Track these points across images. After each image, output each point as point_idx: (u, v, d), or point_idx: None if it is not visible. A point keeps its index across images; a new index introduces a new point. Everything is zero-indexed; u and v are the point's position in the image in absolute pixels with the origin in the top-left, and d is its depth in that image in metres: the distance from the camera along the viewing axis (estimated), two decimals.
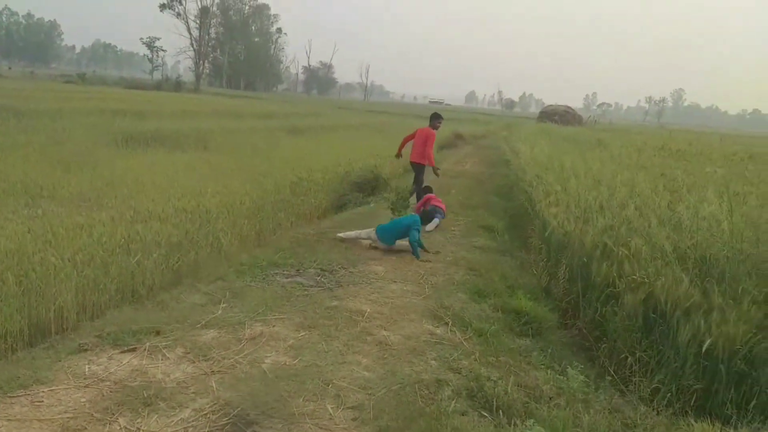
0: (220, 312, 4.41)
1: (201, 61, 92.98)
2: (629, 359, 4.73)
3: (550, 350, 4.59)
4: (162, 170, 12.48)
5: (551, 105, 73.59)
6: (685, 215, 6.26)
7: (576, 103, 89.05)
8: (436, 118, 10.88)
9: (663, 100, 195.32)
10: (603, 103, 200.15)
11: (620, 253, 5.49)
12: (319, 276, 5.66)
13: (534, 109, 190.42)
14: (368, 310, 4.68)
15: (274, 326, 4.20)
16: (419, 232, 7.04)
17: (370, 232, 7.28)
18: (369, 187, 12.29)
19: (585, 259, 5.84)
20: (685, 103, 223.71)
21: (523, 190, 10.58)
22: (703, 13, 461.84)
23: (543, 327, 5.01)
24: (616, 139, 27.93)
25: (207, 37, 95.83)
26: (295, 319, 4.36)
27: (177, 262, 6.71)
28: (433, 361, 3.86)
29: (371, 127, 33.62)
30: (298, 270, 5.83)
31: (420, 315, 4.74)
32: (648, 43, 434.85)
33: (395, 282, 5.70)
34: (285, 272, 5.70)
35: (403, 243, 7.00)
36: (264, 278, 5.45)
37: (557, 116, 63.68)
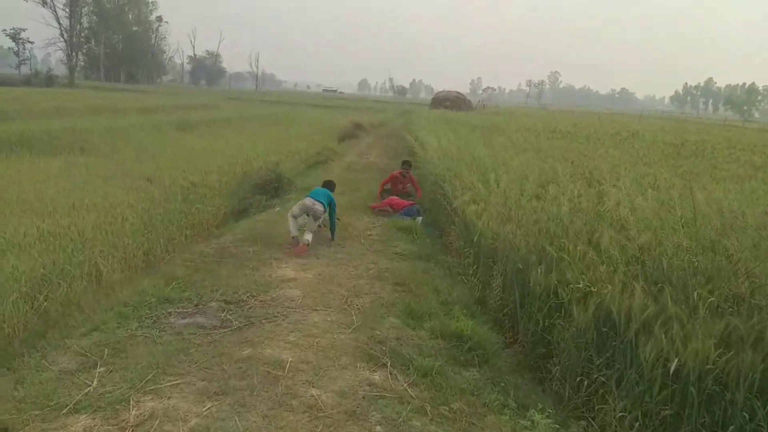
0: (95, 384, 3.39)
1: (74, 53, 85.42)
2: (585, 382, 4.27)
3: (502, 384, 4.00)
4: (28, 182, 10.76)
5: (442, 91, 74.96)
6: (617, 210, 5.95)
7: (463, 89, 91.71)
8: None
9: (541, 82, 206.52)
10: (488, 88, 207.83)
11: (561, 258, 5.02)
12: (223, 312, 4.72)
13: (424, 95, 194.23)
14: (290, 358, 3.83)
15: (169, 398, 3.26)
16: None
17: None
18: (271, 188, 11.27)
19: (520, 266, 5.34)
20: (561, 85, 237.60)
21: (436, 185, 10.06)
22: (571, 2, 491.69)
23: (488, 352, 4.42)
24: (508, 123, 28.53)
25: (79, 26, 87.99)
26: (197, 384, 3.44)
27: (44, 302, 5.50)
28: (378, 427, 3.11)
29: (267, 118, 32.15)
30: (197, 305, 4.85)
31: (352, 357, 3.97)
32: (526, 28, 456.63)
33: (316, 310, 4.89)
34: (180, 310, 4.71)
35: None
36: (154, 322, 4.43)
37: (449, 102, 64.96)
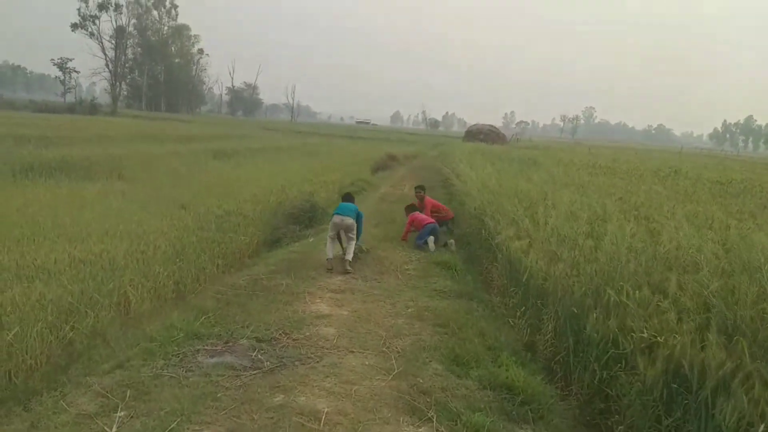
0: (115, 431, 3.09)
1: (118, 83, 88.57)
2: None
3: None
4: (64, 207, 10.76)
5: (476, 124, 74.87)
6: (679, 252, 5.49)
7: (496, 122, 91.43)
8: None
9: (576, 117, 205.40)
10: (521, 121, 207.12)
11: (621, 303, 4.58)
12: (254, 351, 4.39)
13: (457, 128, 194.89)
14: (326, 409, 3.47)
15: None
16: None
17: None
18: (306, 218, 11.05)
19: (575, 310, 4.91)
20: (596, 120, 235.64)
21: (475, 218, 9.68)
22: (606, 32, 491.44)
23: (543, 406, 3.98)
24: (544, 157, 28.08)
25: (124, 57, 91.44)
26: None
27: (69, 333, 5.27)
28: None
29: (301, 149, 32.34)
30: (226, 342, 4.54)
31: (394, 409, 3.59)
32: (559, 63, 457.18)
33: (352, 352, 4.53)
34: (209, 348, 4.40)
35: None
36: (181, 360, 4.14)
37: (482, 135, 64.84)
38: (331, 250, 7.57)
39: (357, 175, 19.98)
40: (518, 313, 5.66)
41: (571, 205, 8.94)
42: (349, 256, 7.48)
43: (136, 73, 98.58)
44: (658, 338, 4.14)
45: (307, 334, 4.86)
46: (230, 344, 4.50)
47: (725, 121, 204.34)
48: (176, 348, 4.32)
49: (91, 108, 66.31)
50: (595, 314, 4.70)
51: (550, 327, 5.12)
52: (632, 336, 4.35)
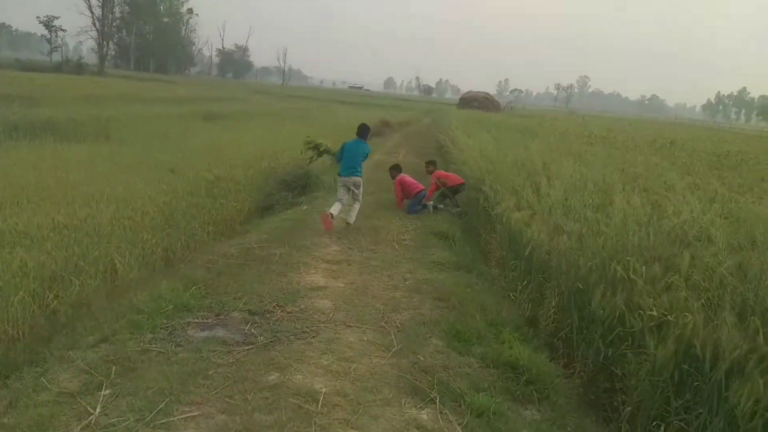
0: (98, 412, 2.89)
1: (105, 42, 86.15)
2: (662, 427, 3.65)
3: (568, 428, 3.43)
4: (49, 169, 10.39)
5: (470, 91, 74.22)
6: (689, 227, 5.31)
7: (490, 90, 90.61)
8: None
9: (570, 86, 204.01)
10: (515, 89, 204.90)
11: (630, 279, 4.41)
12: (247, 324, 4.19)
13: (450, 95, 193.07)
14: (324, 389, 3.28)
15: None
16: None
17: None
18: (299, 185, 10.77)
19: (580, 285, 4.73)
20: (590, 89, 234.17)
21: (473, 188, 9.45)
22: (604, 1, 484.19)
23: (548, 386, 3.82)
24: (539, 125, 27.81)
25: (111, 16, 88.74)
26: (216, 418, 2.91)
27: (53, 302, 5.05)
28: None
29: (294, 112, 31.76)
30: (218, 315, 4.34)
31: (395, 389, 3.41)
32: (554, 30, 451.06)
33: (350, 326, 4.34)
34: (200, 321, 4.19)
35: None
36: (170, 334, 3.93)
37: (476, 102, 64.33)
38: (337, 207, 7.69)
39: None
40: (519, 287, 5.47)
41: (572, 176, 8.74)
42: (351, 220, 7.72)
43: (124, 33, 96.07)
44: (669, 317, 3.99)
45: (302, 306, 4.67)
46: (222, 317, 4.29)
47: (719, 92, 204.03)
48: (165, 320, 4.11)
49: (78, 68, 64.68)
50: (600, 290, 4.54)
51: (553, 302, 4.95)
52: (640, 314, 4.20)
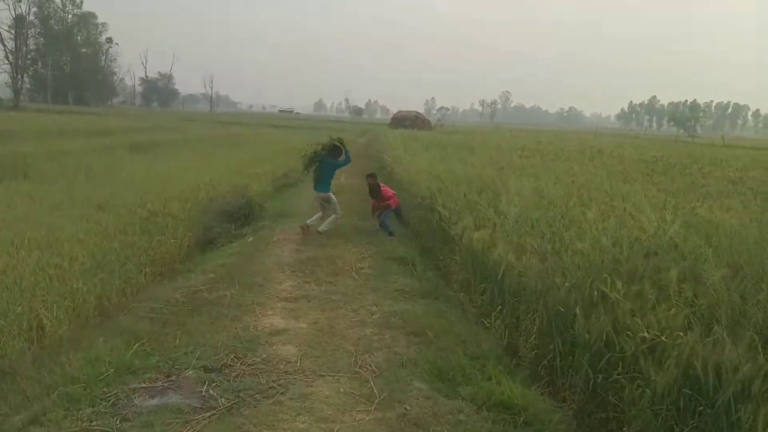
0: None
1: (19, 76, 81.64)
2: None
3: None
4: None
5: (401, 111, 75.28)
6: (659, 238, 5.20)
7: (418, 108, 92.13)
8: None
9: (494, 102, 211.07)
10: (442, 107, 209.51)
11: (614, 299, 4.19)
12: (204, 384, 3.65)
13: (380, 116, 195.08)
14: None
15: None
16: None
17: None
18: (241, 215, 10.16)
19: (560, 308, 4.48)
20: (512, 104, 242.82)
21: (424, 207, 9.19)
22: (521, 24, 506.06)
23: (546, 425, 3.51)
24: (472, 141, 28.21)
25: (25, 48, 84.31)
26: None
27: None
28: None
29: (225, 139, 30.86)
30: (168, 376, 3.77)
31: None
32: (475, 49, 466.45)
33: (322, 376, 3.88)
34: (148, 385, 3.63)
35: None
36: (113, 406, 3.34)
37: (408, 121, 65.24)
38: (313, 218, 8.93)
39: (288, 165, 19.03)
40: (493, 313, 5.17)
41: (521, 190, 8.64)
42: (321, 228, 8.72)
43: (40, 65, 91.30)
44: (662, 337, 3.78)
45: (264, 356, 4.17)
46: (173, 378, 3.73)
47: (631, 102, 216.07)
48: (106, 389, 3.52)
49: None
50: (583, 312, 4.31)
51: (534, 328, 4.67)
52: (629, 335, 3.98)
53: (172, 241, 8.48)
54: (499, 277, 5.21)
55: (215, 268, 6.76)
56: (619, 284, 4.35)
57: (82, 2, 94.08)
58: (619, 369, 3.93)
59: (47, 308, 5.42)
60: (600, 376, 4.07)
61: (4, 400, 3.62)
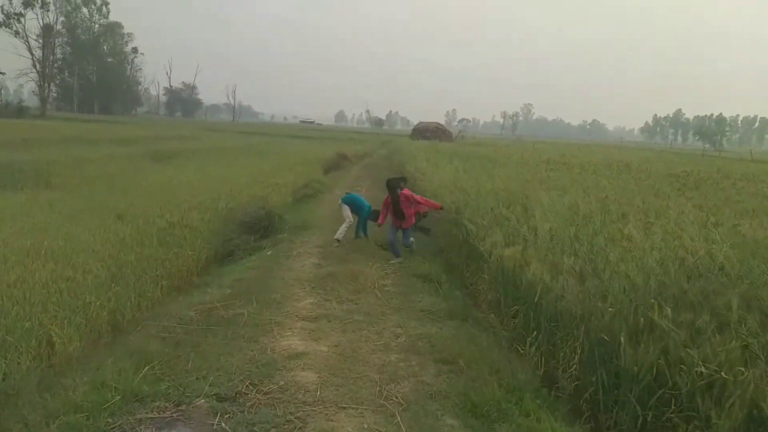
0: None
1: (46, 84, 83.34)
2: None
3: None
4: None
5: (422, 122, 75.29)
6: (708, 260, 4.80)
7: (439, 120, 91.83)
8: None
9: (515, 114, 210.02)
10: (463, 119, 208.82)
11: (666, 328, 3.81)
12: (216, 415, 3.35)
13: (400, 127, 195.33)
14: None
15: None
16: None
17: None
18: (260, 227, 9.91)
19: (605, 337, 4.11)
20: (534, 116, 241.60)
21: (450, 222, 8.85)
22: (542, 36, 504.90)
23: None
24: (495, 153, 27.83)
25: (52, 57, 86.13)
26: None
27: None
28: None
29: (247, 149, 30.87)
30: (178, 405, 3.47)
31: None
32: (498, 61, 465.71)
33: (344, 408, 3.55)
34: (155, 415, 3.33)
35: None
36: None
37: (429, 132, 65.13)
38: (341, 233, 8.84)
39: (309, 175, 18.87)
40: (528, 339, 4.79)
41: (550, 204, 8.27)
42: (337, 235, 8.71)
43: (66, 74, 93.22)
44: (722, 373, 3.40)
45: (281, 383, 3.85)
46: (183, 408, 3.43)
47: (655, 115, 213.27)
48: (110, 419, 3.23)
49: (18, 111, 62.14)
50: (629, 341, 3.93)
51: (575, 357, 4.29)
52: (683, 369, 3.60)
53: (189, 253, 8.26)
54: (536, 299, 4.83)
55: (232, 283, 6.48)
56: (668, 310, 3.98)
57: (108, 12, 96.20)
58: (673, 407, 3.56)
59: (58, 324, 5.21)
60: (650, 414, 3.70)
61: (2, 427, 3.36)
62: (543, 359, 4.60)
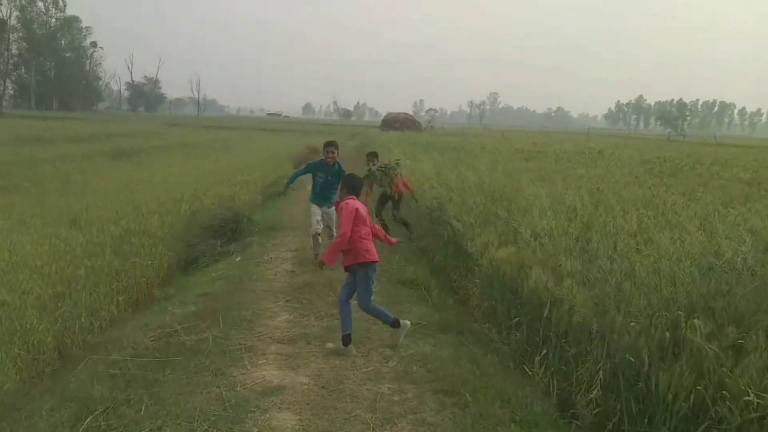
0: None
1: (2, 81, 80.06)
2: None
3: None
4: None
5: (391, 113, 74.84)
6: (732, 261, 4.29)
7: (407, 110, 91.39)
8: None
9: (482, 103, 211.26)
10: (431, 109, 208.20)
11: (702, 348, 3.27)
12: None
13: (369, 118, 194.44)
14: None
15: None
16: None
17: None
18: (227, 229, 9.15)
19: (630, 358, 3.55)
20: (500, 105, 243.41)
21: (433, 220, 8.26)
22: (507, 23, 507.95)
23: None
24: (467, 143, 27.46)
25: (7, 53, 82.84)
26: None
27: None
28: None
29: (212, 144, 29.80)
30: None
31: None
32: (464, 52, 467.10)
33: None
34: None
35: None
36: None
37: (398, 123, 64.72)
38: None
39: (279, 171, 18.03)
40: (536, 357, 4.22)
41: (542, 198, 7.74)
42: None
43: (23, 70, 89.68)
44: None
45: (255, 431, 3.21)
46: None
47: (618, 101, 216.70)
48: None
49: None
50: (658, 361, 3.40)
51: (595, 379, 3.72)
52: (726, 396, 3.08)
53: (149, 262, 7.47)
54: (545, 314, 4.25)
55: (196, 299, 5.75)
56: (699, 325, 3.45)
57: (65, 6, 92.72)
58: None
59: None
60: None
61: None
62: (554, 380, 4.03)
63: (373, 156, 8.92)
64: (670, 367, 3.31)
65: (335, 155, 7.54)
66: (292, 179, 8.13)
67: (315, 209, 7.47)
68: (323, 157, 7.56)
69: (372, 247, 4.64)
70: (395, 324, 4.59)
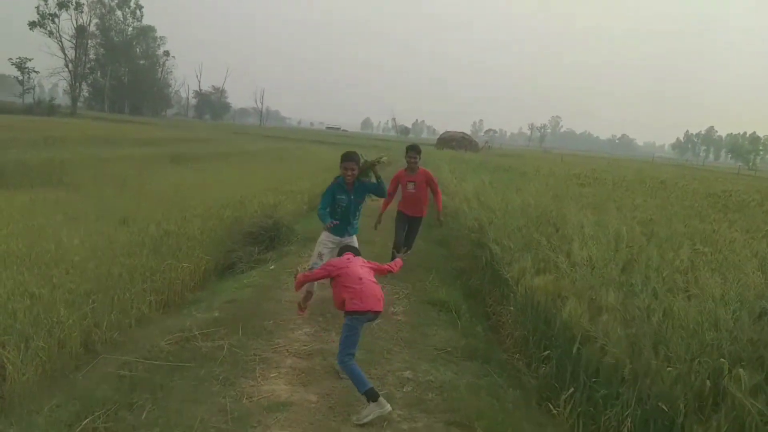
0: None
1: (78, 84, 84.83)
2: None
3: None
4: None
5: (448, 131, 74.69)
6: None
7: (465, 130, 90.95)
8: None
9: (543, 126, 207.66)
10: (489, 130, 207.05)
11: (744, 401, 2.93)
12: None
13: (426, 135, 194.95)
14: None
15: None
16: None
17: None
18: (266, 237, 9.15)
19: (665, 408, 3.22)
20: (562, 129, 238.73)
21: (472, 242, 8.01)
22: (573, 50, 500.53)
23: None
24: (523, 165, 26.98)
25: (85, 58, 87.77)
26: None
27: None
28: None
29: (269, 153, 30.37)
30: None
31: None
32: (527, 72, 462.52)
33: None
34: None
35: None
36: None
37: (454, 142, 64.49)
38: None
39: (328, 182, 18.06)
40: (563, 396, 3.92)
41: (590, 226, 7.38)
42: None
43: (99, 74, 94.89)
44: None
45: None
46: None
47: (687, 131, 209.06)
48: None
49: (49, 109, 63.11)
50: (695, 413, 3.07)
51: (623, 428, 3.40)
52: None
53: (185, 265, 7.53)
54: (574, 351, 3.95)
55: (222, 305, 5.71)
56: (744, 375, 3.10)
57: (142, 16, 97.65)
58: None
59: (15, 347, 4.50)
60: None
61: None
62: (581, 422, 3.72)
63: (413, 151, 8.17)
64: (708, 420, 2.98)
65: (355, 172, 5.73)
66: (325, 213, 5.76)
67: (324, 239, 5.82)
68: (341, 173, 5.80)
69: (366, 293, 3.80)
70: (372, 396, 3.51)
